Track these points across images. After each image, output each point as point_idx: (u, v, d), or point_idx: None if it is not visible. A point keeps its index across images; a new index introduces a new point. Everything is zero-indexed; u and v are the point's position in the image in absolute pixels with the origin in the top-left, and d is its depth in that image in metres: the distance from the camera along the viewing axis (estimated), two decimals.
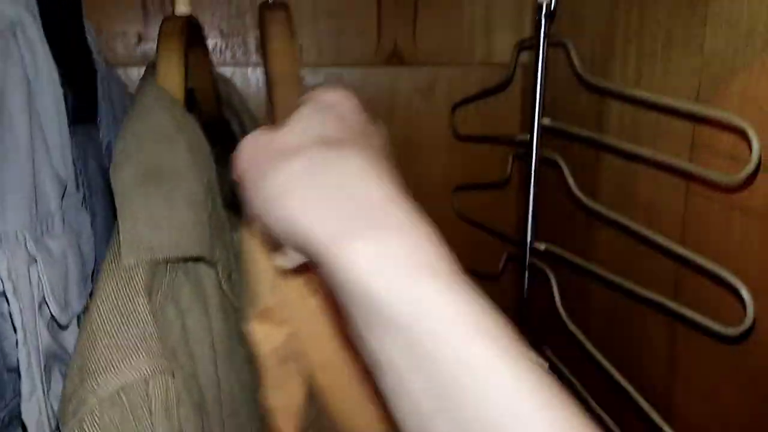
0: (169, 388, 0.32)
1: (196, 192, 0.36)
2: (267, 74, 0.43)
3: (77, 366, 0.32)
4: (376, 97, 0.84)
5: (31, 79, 0.38)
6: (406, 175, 0.94)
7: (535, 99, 0.58)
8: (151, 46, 0.76)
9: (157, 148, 0.38)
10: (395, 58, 0.83)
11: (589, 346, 0.55)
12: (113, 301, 0.33)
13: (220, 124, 0.62)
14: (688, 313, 0.46)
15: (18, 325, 0.31)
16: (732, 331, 0.43)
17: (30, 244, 0.34)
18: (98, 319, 0.32)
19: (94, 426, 0.30)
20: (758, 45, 0.47)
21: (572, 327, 0.57)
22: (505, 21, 0.85)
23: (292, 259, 0.32)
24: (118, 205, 0.35)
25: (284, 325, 0.37)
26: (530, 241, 0.60)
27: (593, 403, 0.57)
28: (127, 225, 0.34)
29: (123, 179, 0.36)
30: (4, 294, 0.31)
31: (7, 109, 0.34)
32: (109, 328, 0.32)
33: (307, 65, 0.80)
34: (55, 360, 0.34)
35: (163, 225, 0.34)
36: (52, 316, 0.36)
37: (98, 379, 0.30)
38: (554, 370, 0.63)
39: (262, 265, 0.40)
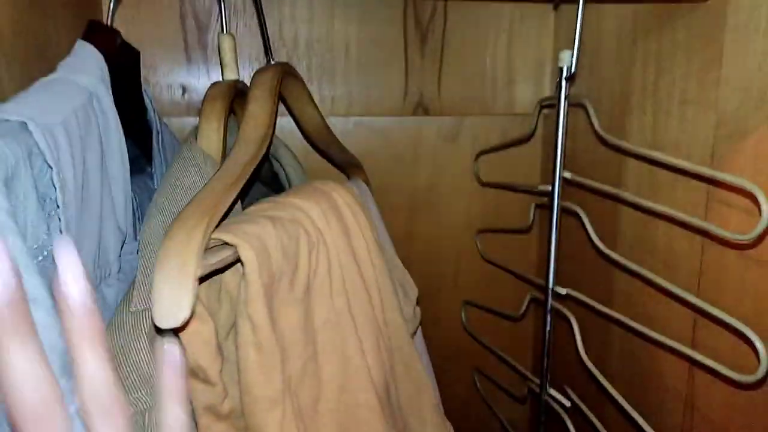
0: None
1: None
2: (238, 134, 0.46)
3: None
4: (402, 145, 0.88)
5: (103, 141, 0.42)
6: (431, 218, 0.99)
7: (557, 154, 0.61)
8: (194, 96, 0.81)
9: (184, 203, 0.42)
10: (421, 109, 0.87)
11: (609, 387, 0.57)
12: (118, 341, 0.36)
13: (269, 173, 0.66)
14: (705, 360, 0.49)
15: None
16: (747, 378, 0.45)
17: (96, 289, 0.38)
18: (113, 347, 0.36)
19: None
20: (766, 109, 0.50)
21: (593, 368, 0.59)
22: (525, 74, 0.89)
23: None
24: (140, 255, 0.39)
25: (216, 384, 0.39)
26: (552, 286, 0.63)
27: None
28: (142, 275, 0.38)
29: (149, 232, 0.40)
30: None
31: (87, 170, 0.38)
32: (119, 355, 0.36)
33: (338, 114, 0.85)
34: None
35: None
36: None
37: None
38: (575, 410, 0.65)
39: None
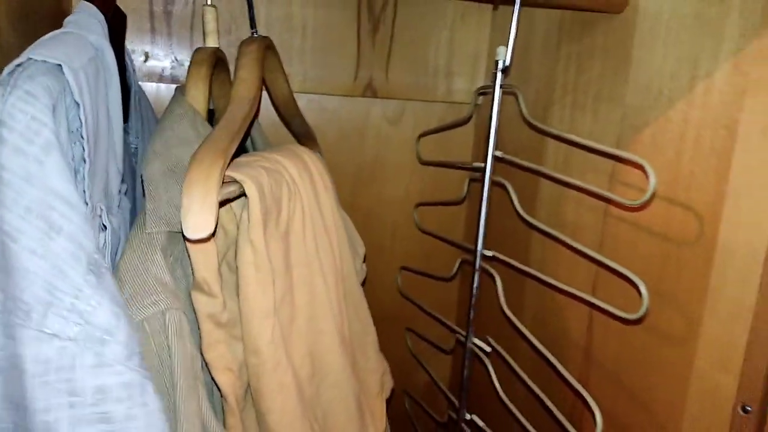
0: (182, 321, 0.42)
1: None
2: (230, 98, 0.52)
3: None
4: (350, 123, 0.96)
5: (108, 92, 0.47)
6: (373, 192, 1.09)
7: (490, 134, 0.71)
8: (154, 64, 0.85)
9: (179, 151, 0.49)
10: (369, 90, 0.96)
11: (522, 328, 0.68)
12: (138, 255, 0.43)
13: None
14: (602, 303, 0.60)
15: None
16: (633, 315, 0.57)
17: (104, 216, 0.44)
18: (125, 268, 0.43)
19: None
20: (664, 104, 0.60)
21: (511, 316, 0.70)
22: (462, 68, 0.99)
23: None
24: (146, 190, 0.46)
25: (217, 296, 0.45)
26: (481, 248, 0.73)
27: (525, 377, 0.69)
28: (152, 204, 0.45)
29: (152, 171, 0.47)
30: None
31: (98, 114, 0.43)
32: (132, 275, 0.42)
33: (293, 91, 0.91)
34: None
35: (179, 208, 0.45)
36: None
37: (128, 311, 0.40)
38: (496, 354, 0.75)
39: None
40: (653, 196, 0.60)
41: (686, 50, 0.58)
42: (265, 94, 0.82)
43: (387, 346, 1.04)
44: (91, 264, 0.33)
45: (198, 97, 0.53)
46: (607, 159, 0.68)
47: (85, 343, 0.33)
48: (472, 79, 1.00)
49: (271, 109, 0.80)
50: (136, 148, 0.64)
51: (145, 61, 0.84)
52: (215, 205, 0.39)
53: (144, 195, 0.46)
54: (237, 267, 0.46)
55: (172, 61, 0.85)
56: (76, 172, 0.38)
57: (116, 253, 0.48)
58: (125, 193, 0.54)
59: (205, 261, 0.43)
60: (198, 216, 0.38)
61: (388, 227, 1.02)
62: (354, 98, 0.95)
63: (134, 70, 0.63)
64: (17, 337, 0.31)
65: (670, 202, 0.60)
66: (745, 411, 0.54)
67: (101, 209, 0.43)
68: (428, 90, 0.99)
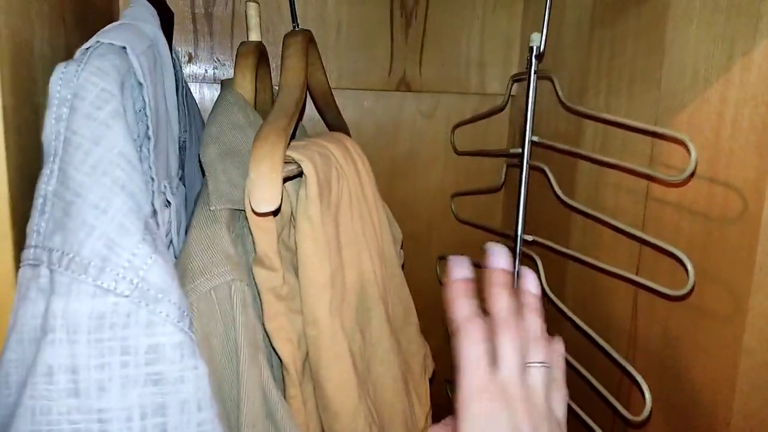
0: (246, 292, 0.44)
1: None
2: (279, 86, 0.54)
3: (179, 274, 0.44)
4: (385, 117, 0.98)
5: (164, 80, 0.50)
6: (408, 185, 1.10)
7: (527, 120, 0.72)
8: (198, 64, 0.88)
9: (233, 135, 0.51)
10: (403, 85, 0.97)
11: (566, 309, 0.68)
12: (204, 231, 0.45)
13: None
14: (646, 282, 0.60)
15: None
16: (679, 291, 0.57)
17: (168, 194, 0.46)
18: (194, 242, 0.45)
19: (194, 314, 0.42)
20: (700, 84, 0.61)
21: (555, 298, 0.70)
22: (495, 59, 1.00)
23: None
24: (206, 171, 0.48)
25: (278, 270, 0.47)
26: (521, 233, 0.74)
27: (569, 358, 0.70)
28: (213, 184, 0.47)
29: (209, 155, 0.49)
30: (156, 222, 0.43)
31: (157, 97, 0.46)
32: (201, 248, 0.44)
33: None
34: None
35: (239, 187, 0.47)
36: (171, 244, 0.48)
37: (195, 281, 0.43)
38: None
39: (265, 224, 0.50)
40: (695, 170, 0.60)
41: (721, 30, 0.58)
42: None
43: (426, 337, 1.05)
44: (148, 225, 0.35)
45: (246, 87, 0.56)
46: (645, 141, 0.68)
47: (139, 300, 0.34)
48: (505, 71, 1.01)
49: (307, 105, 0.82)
50: (185, 141, 0.66)
51: (189, 61, 0.87)
52: (281, 179, 0.41)
53: (203, 177, 0.48)
54: (296, 241, 0.48)
55: (214, 62, 0.88)
56: (140, 148, 0.40)
57: (177, 232, 0.50)
58: (180, 179, 0.56)
59: (265, 236, 0.45)
60: (266, 190, 0.40)
61: (424, 219, 1.03)
62: (388, 93, 0.97)
63: (181, 67, 0.66)
64: (73, 292, 0.32)
65: (711, 181, 0.60)
66: None
67: (165, 186, 0.46)
68: (461, 82, 1.00)
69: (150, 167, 0.41)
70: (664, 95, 0.65)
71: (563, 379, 0.47)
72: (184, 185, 0.63)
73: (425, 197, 1.02)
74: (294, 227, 0.48)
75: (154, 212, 0.42)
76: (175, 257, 0.50)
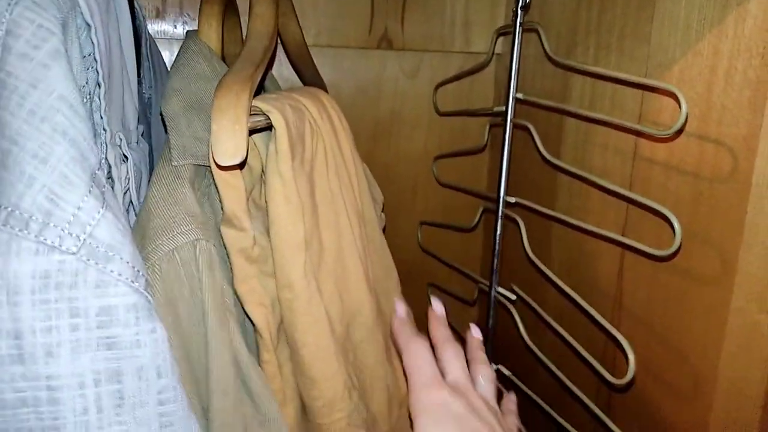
0: (212, 252, 0.41)
1: None
2: (246, 35, 0.50)
3: (139, 235, 0.41)
4: (367, 77, 0.94)
5: (119, 25, 0.46)
6: (390, 147, 1.07)
7: (511, 76, 0.69)
8: (166, 19, 0.83)
9: (197, 87, 0.48)
10: (385, 43, 0.93)
11: (549, 273, 0.67)
12: (166, 187, 0.42)
13: None
14: (633, 242, 0.58)
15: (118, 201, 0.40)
16: (665, 252, 0.55)
17: (124, 146, 0.43)
18: (154, 200, 0.42)
19: (156, 276, 0.39)
20: (692, 37, 0.58)
21: (536, 261, 0.68)
22: (480, 17, 0.96)
23: None
24: (168, 125, 0.45)
25: (247, 230, 0.45)
26: (504, 194, 0.72)
27: (552, 322, 0.68)
28: (176, 138, 0.44)
29: (172, 108, 0.46)
30: (110, 177, 0.40)
31: (110, 42, 0.42)
32: (163, 206, 0.42)
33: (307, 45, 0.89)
34: None
35: (203, 141, 0.44)
36: (131, 203, 0.45)
37: (156, 241, 0.40)
38: (522, 302, 0.74)
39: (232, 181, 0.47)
40: (685, 124, 0.58)
41: None
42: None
43: (410, 304, 1.04)
44: (95, 177, 0.32)
45: (211, 36, 0.52)
46: (634, 99, 0.66)
47: (87, 258, 0.31)
48: (491, 29, 0.97)
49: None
50: (150, 97, 0.63)
51: (157, 17, 0.83)
52: (246, 130, 0.38)
53: (166, 132, 0.45)
54: (266, 200, 0.45)
55: (184, 17, 0.84)
56: (90, 96, 0.37)
57: (138, 190, 0.47)
58: (142, 135, 0.53)
59: (233, 194, 0.42)
60: (229, 142, 0.37)
61: (407, 183, 1.01)
62: (369, 51, 0.93)
63: (144, 19, 0.62)
64: (13, 250, 0.29)
65: (702, 139, 0.58)
66: None
67: (120, 138, 0.42)
68: (445, 41, 0.96)
69: (102, 117, 0.38)
70: (654, 50, 0.63)
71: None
72: (150, 144, 0.59)
73: (408, 160, 0.99)
74: (264, 184, 0.45)
75: (109, 166, 0.39)
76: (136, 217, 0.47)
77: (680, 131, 0.58)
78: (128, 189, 0.43)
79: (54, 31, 0.31)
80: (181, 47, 0.51)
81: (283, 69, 0.87)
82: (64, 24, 0.32)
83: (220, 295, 0.42)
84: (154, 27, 0.83)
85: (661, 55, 0.62)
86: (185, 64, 0.49)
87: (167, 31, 0.83)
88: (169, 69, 0.74)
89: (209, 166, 0.44)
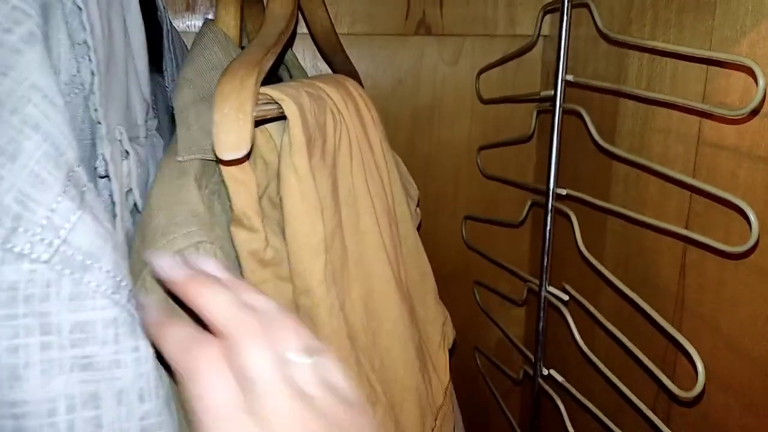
0: (218, 256, 0.37)
1: None
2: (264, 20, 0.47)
3: (139, 236, 0.38)
4: (405, 65, 0.89)
5: (125, 13, 0.43)
6: (433, 139, 1.01)
7: (560, 56, 0.63)
8: (197, 15, 0.81)
9: (211, 76, 0.44)
10: (423, 28, 0.88)
11: (605, 271, 0.60)
12: (169, 186, 0.39)
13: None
14: (699, 237, 0.52)
15: (116, 200, 0.37)
16: (738, 249, 0.48)
17: (125, 141, 0.39)
18: (157, 200, 0.38)
19: (155, 285, 0.35)
20: (765, 8, 0.52)
21: (590, 257, 0.62)
22: None
23: None
24: (177, 118, 0.41)
25: (258, 231, 0.40)
26: (553, 186, 0.66)
27: (608, 324, 0.62)
28: (183, 131, 0.41)
29: (183, 99, 0.42)
30: (107, 175, 0.37)
31: (112, 30, 0.39)
32: (165, 205, 0.38)
33: (341, 33, 0.85)
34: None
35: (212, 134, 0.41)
36: (135, 205, 0.42)
37: (156, 245, 0.36)
38: (575, 302, 0.68)
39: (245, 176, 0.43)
40: (763, 103, 0.51)
41: None
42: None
43: (455, 304, 0.99)
44: (73, 175, 0.28)
45: (228, 22, 0.49)
46: (698, 78, 0.59)
47: (61, 267, 0.27)
48: (537, 8, 0.90)
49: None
50: (173, 90, 0.60)
51: (187, 10, 0.81)
52: (250, 119, 0.34)
53: (175, 125, 0.42)
54: (280, 198, 0.41)
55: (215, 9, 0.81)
56: (84, 86, 0.34)
57: (145, 187, 0.44)
58: (157, 130, 0.50)
59: (242, 191, 0.39)
60: (232, 132, 0.33)
61: (450, 175, 0.95)
62: (406, 38, 0.88)
63: (165, 8, 0.59)
64: None
65: None
66: None
67: (120, 132, 0.39)
68: (487, 23, 0.90)
69: (96, 109, 0.35)
70: (719, 24, 0.56)
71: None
72: (170, 138, 0.57)
73: (450, 152, 0.94)
74: (279, 180, 0.41)
75: (105, 163, 0.36)
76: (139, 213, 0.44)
77: (756, 111, 0.51)
78: (131, 188, 0.40)
79: (29, 13, 0.28)
80: (197, 35, 0.48)
81: (318, 61, 0.84)
82: (43, 6, 0.29)
83: None
84: (185, 21, 0.81)
85: (727, 28, 0.56)
86: (199, 53, 0.46)
87: (197, 25, 0.81)
88: None
89: (217, 161, 0.41)
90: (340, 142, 0.47)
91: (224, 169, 0.39)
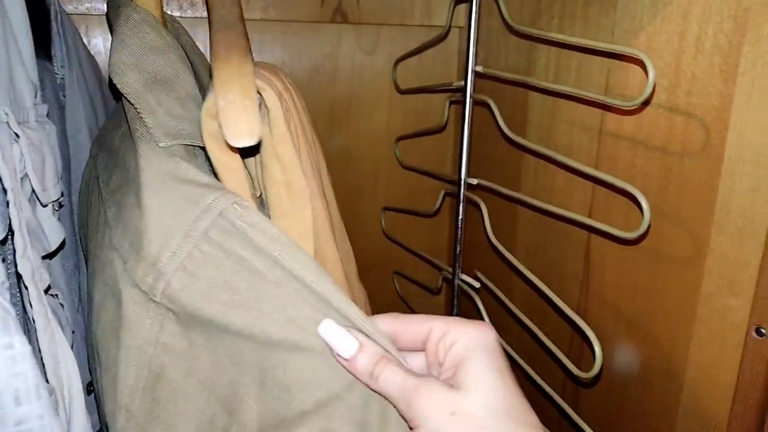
0: (248, 210, 0.35)
1: (195, 96, 0.41)
2: (207, 7, 0.45)
3: (132, 234, 0.35)
4: (321, 53, 0.88)
5: None
6: (352, 130, 1.01)
7: (469, 47, 0.64)
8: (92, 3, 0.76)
9: (153, 59, 0.42)
10: (339, 15, 0.87)
11: (512, 259, 0.62)
12: (164, 173, 0.36)
13: None
14: (600, 225, 0.54)
15: (8, 186, 0.34)
16: (632, 234, 0.51)
17: (12, 123, 0.37)
18: (151, 193, 0.35)
19: (197, 266, 0.33)
20: (660, 1, 0.54)
21: (499, 246, 0.64)
22: None
23: None
24: (135, 104, 0.39)
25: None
26: (464, 176, 0.67)
27: (517, 311, 0.64)
28: (150, 118, 0.38)
29: (130, 83, 0.40)
30: None
31: None
32: (167, 194, 0.35)
33: (253, 20, 0.83)
34: (31, 234, 0.37)
35: (184, 119, 0.39)
36: (33, 192, 0.39)
37: (178, 232, 0.34)
38: (487, 290, 0.70)
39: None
40: (653, 93, 0.54)
41: None
42: None
43: (376, 293, 0.99)
44: None
45: (150, 3, 0.46)
46: (600, 70, 0.62)
47: None
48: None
49: None
50: (63, 77, 0.56)
51: None
52: (256, 105, 0.34)
53: (124, 112, 0.40)
54: (265, 187, 0.39)
55: None
56: None
57: (43, 173, 0.41)
58: (48, 115, 0.47)
59: (236, 179, 0.37)
60: (242, 120, 0.33)
61: (369, 166, 0.95)
62: (323, 25, 0.87)
63: None
64: None
65: (671, 111, 0.54)
66: (759, 334, 0.49)
67: (6, 113, 0.36)
68: (404, 13, 0.90)
69: None
70: (621, 17, 0.59)
71: None
72: (64, 127, 0.53)
73: (369, 142, 0.94)
74: (263, 170, 0.40)
75: None
76: (41, 203, 0.41)
77: (647, 102, 0.54)
78: (24, 171, 0.37)
79: None
80: (122, 18, 0.45)
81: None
82: None
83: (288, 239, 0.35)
84: (84, 3, 0.76)
85: (627, 23, 0.58)
86: (131, 35, 0.43)
87: (98, 7, 0.76)
88: (86, 46, 0.67)
89: (199, 147, 0.39)
90: (296, 131, 0.46)
91: (215, 156, 0.37)
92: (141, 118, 0.39)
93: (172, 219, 0.34)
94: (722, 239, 0.51)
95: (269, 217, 0.40)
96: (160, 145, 0.37)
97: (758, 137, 0.47)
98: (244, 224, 0.33)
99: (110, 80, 0.41)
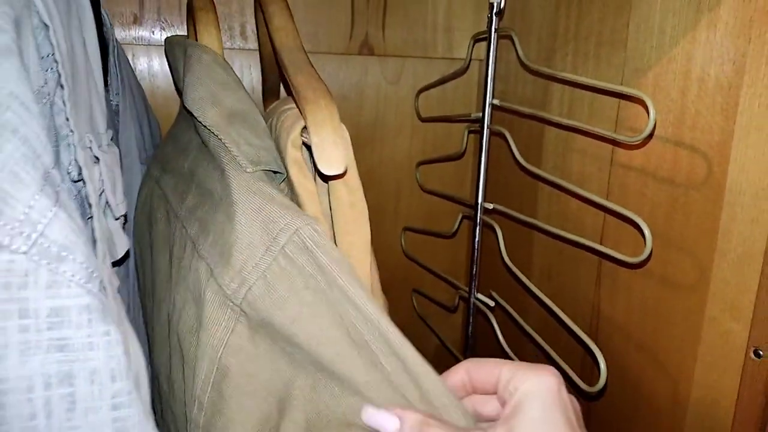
0: (319, 233, 0.39)
1: (264, 128, 0.47)
2: (275, 50, 0.49)
3: (220, 247, 0.40)
4: (348, 83, 0.94)
5: (82, 29, 0.46)
6: (375, 154, 1.06)
7: (487, 81, 0.69)
8: (144, 28, 0.83)
9: (227, 96, 0.48)
10: (366, 49, 0.93)
11: (526, 280, 0.66)
12: (251, 194, 0.41)
13: None
14: (608, 251, 0.58)
15: (93, 202, 0.40)
16: (636, 259, 0.54)
17: (95, 148, 0.42)
18: (242, 206, 0.41)
19: (278, 276, 0.38)
20: (666, 43, 0.58)
21: (513, 267, 0.67)
22: (463, 23, 0.96)
23: None
24: (220, 136, 0.45)
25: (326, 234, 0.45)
26: (481, 200, 0.71)
27: (530, 330, 0.68)
28: (234, 147, 0.44)
29: (213, 117, 0.46)
30: (81, 179, 0.40)
31: (73, 45, 0.42)
32: (256, 213, 0.40)
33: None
34: (105, 242, 0.42)
35: (261, 148, 0.45)
36: (107, 205, 0.44)
37: (269, 241, 0.38)
38: (501, 309, 0.73)
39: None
40: (654, 130, 0.58)
41: None
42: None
43: (395, 309, 1.03)
44: (48, 177, 0.31)
45: (214, 44, 0.52)
46: (611, 106, 0.66)
47: (39, 258, 0.30)
48: (471, 35, 0.97)
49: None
50: (117, 105, 0.62)
51: (134, 22, 0.82)
52: (345, 141, 0.41)
53: (204, 143, 0.46)
54: (331, 208, 0.45)
55: (162, 23, 0.83)
56: (50, 97, 0.36)
57: (114, 192, 0.46)
58: (111, 140, 0.52)
59: (314, 201, 0.43)
60: (335, 152, 0.39)
61: (391, 188, 1.00)
62: (350, 57, 0.93)
63: (111, 25, 0.61)
64: None
65: (676, 145, 0.58)
66: (757, 355, 0.52)
67: (90, 140, 0.42)
68: (427, 47, 0.96)
69: (67, 119, 0.37)
70: (630, 56, 0.63)
71: None
72: (120, 149, 0.59)
73: (391, 166, 0.99)
74: (329, 194, 0.46)
75: (79, 168, 0.39)
76: (114, 217, 0.46)
77: (650, 137, 0.58)
78: (103, 190, 0.43)
79: (5, 28, 0.30)
80: (194, 58, 0.51)
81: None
82: (16, 22, 0.32)
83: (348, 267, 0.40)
84: (131, 33, 0.82)
85: (637, 61, 0.62)
86: (205, 74, 0.49)
87: (145, 38, 0.83)
88: (135, 76, 0.73)
89: (277, 172, 0.45)
90: None
91: (297, 181, 0.43)
92: (226, 147, 0.45)
93: (258, 234, 0.39)
94: (724, 266, 0.54)
95: (334, 232, 0.46)
96: (248, 170, 0.43)
97: (756, 171, 0.50)
98: (312, 244, 0.38)
99: (182, 106, 0.46)
